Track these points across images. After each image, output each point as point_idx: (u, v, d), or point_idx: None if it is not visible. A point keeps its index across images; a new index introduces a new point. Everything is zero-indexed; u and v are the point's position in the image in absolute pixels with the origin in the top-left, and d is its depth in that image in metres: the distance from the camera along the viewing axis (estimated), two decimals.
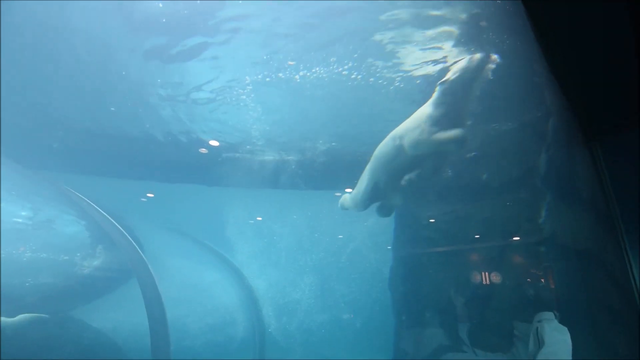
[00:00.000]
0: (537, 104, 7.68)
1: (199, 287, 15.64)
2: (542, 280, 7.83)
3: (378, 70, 7.56)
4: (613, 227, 4.11)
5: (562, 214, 7.53)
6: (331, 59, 7.20)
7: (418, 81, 7.94)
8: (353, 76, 7.70)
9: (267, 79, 7.88)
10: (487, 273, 8.56)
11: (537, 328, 6.07)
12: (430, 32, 6.56)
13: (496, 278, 8.37)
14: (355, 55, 7.09)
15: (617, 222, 4.01)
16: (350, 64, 7.36)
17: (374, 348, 14.12)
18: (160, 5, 5.92)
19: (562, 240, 7.50)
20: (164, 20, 6.26)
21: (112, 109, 8.89)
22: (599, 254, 6.19)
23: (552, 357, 5.63)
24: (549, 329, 5.92)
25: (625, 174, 3.96)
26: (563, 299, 7.41)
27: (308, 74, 7.62)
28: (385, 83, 7.98)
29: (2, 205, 10.60)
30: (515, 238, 8.62)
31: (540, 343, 5.86)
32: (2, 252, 9.64)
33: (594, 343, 6.57)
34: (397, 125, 7.33)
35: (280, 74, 7.73)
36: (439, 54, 7.11)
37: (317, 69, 7.46)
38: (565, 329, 6.02)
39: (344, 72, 7.61)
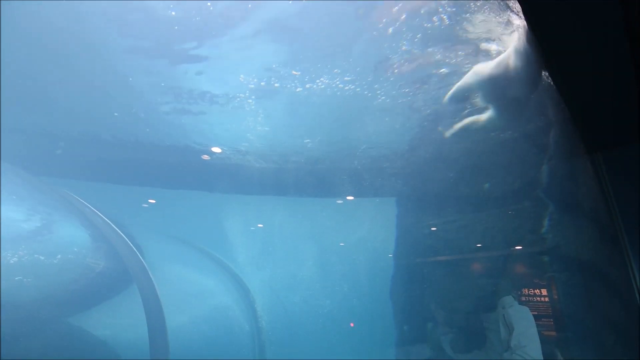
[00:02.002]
0: (538, 114, 7.70)
1: (199, 293, 15.57)
2: (545, 291, 7.77)
3: (368, 81, 7.64)
4: (616, 239, 4.09)
5: (565, 225, 7.50)
6: (335, 70, 7.25)
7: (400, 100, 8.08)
8: (347, 88, 7.78)
9: (266, 85, 7.93)
10: (489, 283, 8.49)
11: (503, 315, 6.39)
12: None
13: (499, 288, 8.30)
14: (358, 69, 7.15)
15: (621, 234, 3.99)
16: (350, 77, 7.43)
17: (375, 355, 14.02)
18: (173, 13, 5.99)
19: (565, 252, 7.46)
20: (176, 27, 6.32)
21: (116, 114, 8.94)
22: (602, 266, 6.16)
23: (523, 337, 6.00)
24: (513, 313, 6.28)
25: (628, 186, 3.95)
26: (566, 311, 7.35)
27: (314, 86, 7.68)
28: (370, 95, 8.07)
29: (2, 209, 10.62)
30: (517, 248, 8.57)
31: (509, 328, 6.18)
32: (2, 257, 9.63)
33: (596, 355, 6.50)
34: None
35: (283, 84, 7.78)
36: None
37: (322, 79, 7.51)
38: (526, 308, 6.49)
39: (340, 85, 7.68)
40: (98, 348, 10.10)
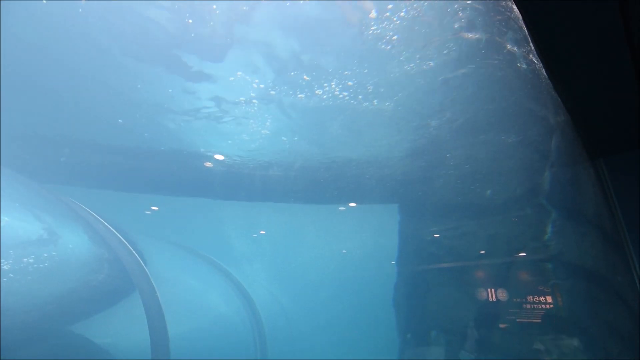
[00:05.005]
0: (539, 121, 7.73)
1: (201, 300, 15.49)
2: (549, 298, 7.71)
3: (368, 89, 7.72)
4: (620, 245, 4.07)
5: (569, 232, 7.46)
6: (345, 72, 7.28)
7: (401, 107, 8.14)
8: (343, 95, 7.84)
9: (269, 93, 7.97)
10: (492, 290, 8.43)
11: None
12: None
13: (502, 296, 8.24)
14: (366, 71, 7.18)
15: (625, 240, 3.97)
16: (353, 83, 7.49)
17: None
18: (190, 21, 6.07)
19: (569, 258, 7.41)
20: (192, 34, 6.39)
21: (120, 120, 9.00)
22: (606, 273, 6.11)
23: None
24: None
25: (631, 191, 3.94)
26: (571, 319, 7.27)
27: (319, 91, 7.73)
28: (370, 102, 8.14)
29: (6, 217, 10.66)
30: (521, 254, 8.53)
31: None
32: (6, 264, 9.64)
33: None
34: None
35: (286, 91, 7.84)
36: None
37: (332, 84, 7.57)
38: None
39: (336, 92, 7.74)
40: (100, 355, 10.04)
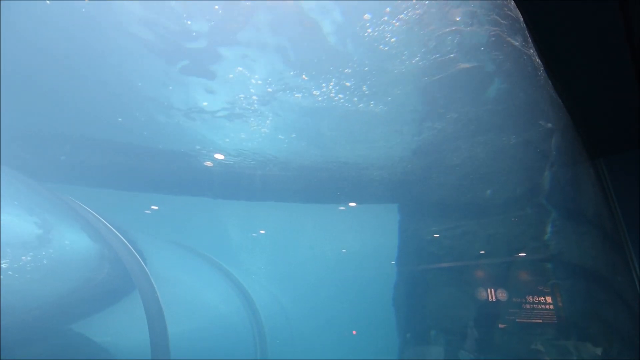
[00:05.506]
0: (540, 121, 7.73)
1: (201, 299, 15.49)
2: (549, 298, 7.71)
3: (368, 89, 7.73)
4: (620, 245, 4.07)
5: (568, 232, 7.46)
6: (346, 71, 7.28)
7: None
8: (337, 98, 7.84)
9: (268, 92, 7.96)
10: (492, 290, 8.43)
11: None
12: None
13: (502, 295, 8.24)
14: (366, 69, 7.17)
15: (625, 240, 3.97)
16: (351, 83, 7.48)
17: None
18: (189, 22, 6.08)
19: (568, 258, 7.41)
20: (193, 33, 6.39)
21: (120, 119, 8.99)
22: (606, 273, 6.11)
23: None
24: None
25: (631, 191, 3.94)
26: (571, 319, 7.27)
27: (318, 92, 7.72)
28: (368, 103, 8.15)
29: (6, 216, 10.66)
30: (520, 254, 8.53)
31: None
32: (4, 263, 9.64)
33: None
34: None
35: (284, 90, 7.83)
36: None
37: (330, 84, 7.56)
38: None
39: (331, 94, 7.73)
40: (100, 354, 10.05)
